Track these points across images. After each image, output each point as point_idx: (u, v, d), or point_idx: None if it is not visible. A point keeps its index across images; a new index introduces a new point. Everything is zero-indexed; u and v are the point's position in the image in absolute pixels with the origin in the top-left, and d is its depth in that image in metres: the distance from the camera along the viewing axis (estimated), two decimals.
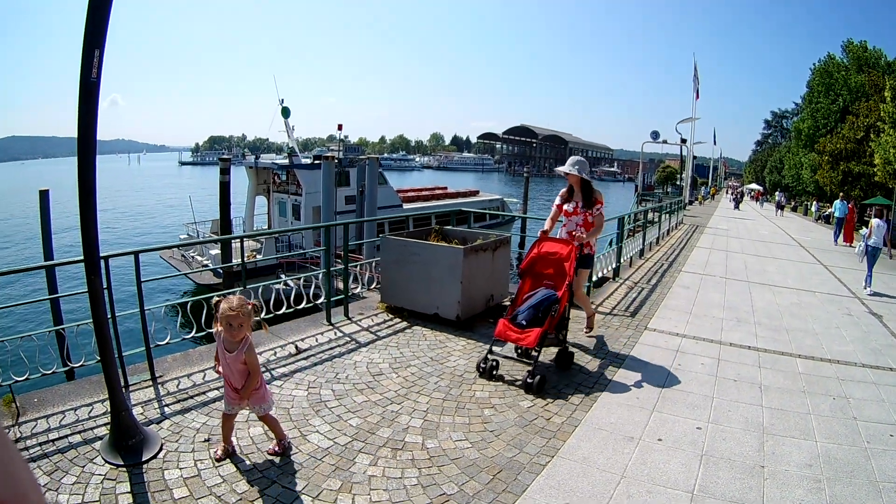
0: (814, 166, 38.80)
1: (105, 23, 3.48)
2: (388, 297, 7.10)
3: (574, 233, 6.10)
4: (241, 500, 3.28)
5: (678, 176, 56.98)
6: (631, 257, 12.14)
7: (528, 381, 4.86)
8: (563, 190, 6.50)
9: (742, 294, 9.79)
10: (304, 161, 25.08)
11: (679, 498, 3.46)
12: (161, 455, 3.70)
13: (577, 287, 6.12)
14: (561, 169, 6.37)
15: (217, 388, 4.65)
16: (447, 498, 3.36)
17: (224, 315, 3.62)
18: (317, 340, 6.07)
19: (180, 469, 3.57)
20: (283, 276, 8.22)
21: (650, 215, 16.44)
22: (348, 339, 6.16)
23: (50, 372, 4.67)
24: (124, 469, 3.51)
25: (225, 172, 21.53)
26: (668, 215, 19.21)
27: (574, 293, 5.83)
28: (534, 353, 5.05)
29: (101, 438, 3.81)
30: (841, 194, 23.31)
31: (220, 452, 3.77)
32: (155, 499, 3.26)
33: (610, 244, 10.93)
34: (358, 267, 8.97)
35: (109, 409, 3.85)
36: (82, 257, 3.78)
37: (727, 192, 65.75)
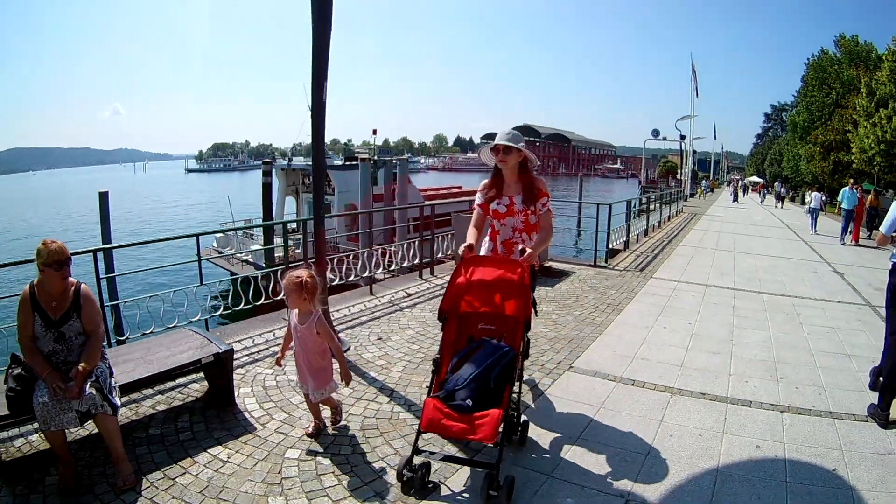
0: (808, 157, 40.86)
1: (327, 59, 5.26)
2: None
3: (515, 243, 4.21)
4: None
5: (679, 170, 59.35)
6: (637, 234, 14.75)
7: (491, 492, 3.13)
8: (486, 181, 4.39)
9: (728, 259, 12.18)
10: (335, 162, 27.43)
11: (679, 350, 5.82)
12: (350, 350, 5.74)
13: None
14: (483, 152, 4.31)
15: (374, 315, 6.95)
16: None
17: (291, 283, 3.76)
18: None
19: (362, 356, 5.75)
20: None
21: (652, 206, 19.01)
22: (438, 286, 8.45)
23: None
24: None
25: (267, 175, 24.15)
26: (667, 204, 21.72)
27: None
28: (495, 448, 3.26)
29: None
30: (851, 182, 19.69)
31: (311, 429, 4.06)
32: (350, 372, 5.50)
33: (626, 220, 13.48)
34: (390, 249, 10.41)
35: None
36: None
37: (728, 186, 67.02)
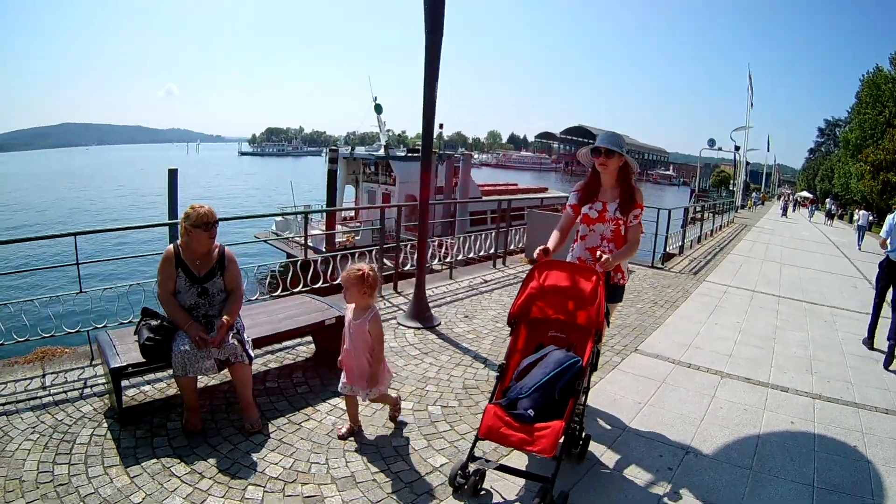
0: (858, 175, 40.32)
1: (438, 64, 5.96)
2: (532, 251, 10.30)
3: (599, 251, 3.96)
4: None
5: (731, 181, 59.08)
6: (691, 241, 15.61)
7: None
8: (581, 183, 4.29)
9: (775, 269, 12.97)
10: (398, 154, 28.48)
11: (728, 343, 6.75)
12: (441, 325, 6.57)
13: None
14: (583, 152, 4.25)
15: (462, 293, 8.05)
16: None
17: (353, 276, 3.68)
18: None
19: (453, 331, 6.53)
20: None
21: (705, 214, 19.77)
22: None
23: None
24: (422, 329, 6.29)
25: (333, 162, 25.28)
26: (719, 214, 22.44)
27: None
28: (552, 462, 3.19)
29: (396, 317, 6.69)
30: None
31: (343, 431, 3.95)
32: (438, 342, 5.98)
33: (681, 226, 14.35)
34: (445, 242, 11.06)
35: (413, 295, 6.71)
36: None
37: (778, 199, 65.96)
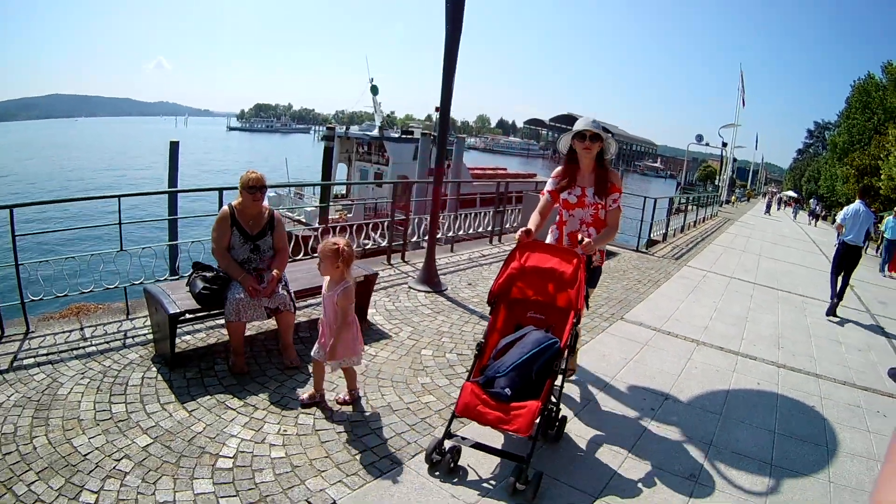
0: (844, 179, 41.07)
1: (456, 57, 6.54)
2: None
3: (579, 235, 4.00)
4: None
5: (718, 176, 59.93)
6: (674, 230, 16.33)
7: (518, 485, 3.15)
8: (560, 168, 4.32)
9: (753, 260, 13.67)
10: (392, 135, 29.00)
11: (705, 319, 7.38)
12: (448, 290, 7.28)
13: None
14: (566, 140, 4.16)
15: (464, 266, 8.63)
16: None
17: (328, 249, 3.74)
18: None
19: (459, 295, 7.15)
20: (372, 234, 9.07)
21: (689, 206, 20.47)
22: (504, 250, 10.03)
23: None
24: (432, 293, 6.94)
25: (330, 140, 25.86)
26: (703, 206, 23.21)
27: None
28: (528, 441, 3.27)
29: (407, 282, 7.48)
30: None
31: (305, 397, 4.04)
32: (447, 304, 6.71)
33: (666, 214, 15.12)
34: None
35: (424, 263, 7.32)
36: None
37: (763, 197, 66.50)
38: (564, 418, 3.84)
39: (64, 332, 4.88)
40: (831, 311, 8.54)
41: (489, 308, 3.81)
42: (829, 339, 7.38)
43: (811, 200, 47.94)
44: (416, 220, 10.08)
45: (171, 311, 4.25)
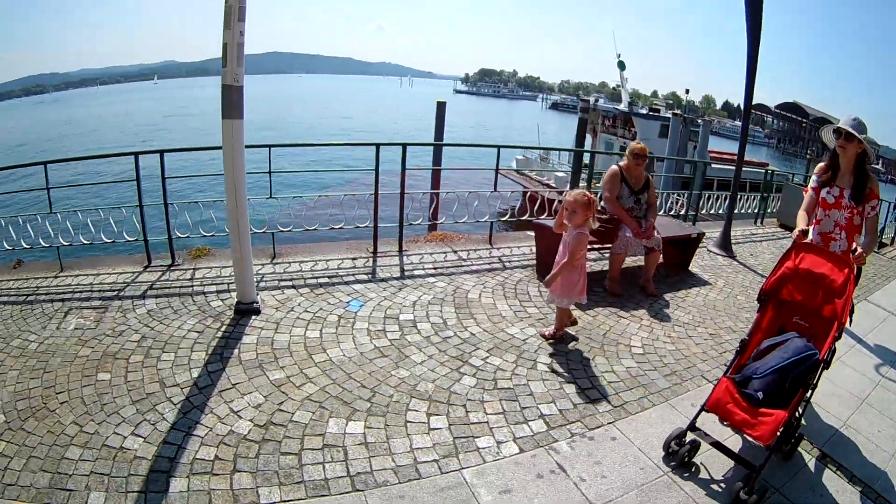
0: None
1: (758, 50, 7.14)
2: (784, 217, 11.31)
3: (833, 238, 4.24)
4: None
5: None
6: None
7: (742, 494, 2.98)
8: (822, 164, 4.31)
9: None
10: (641, 112, 30.33)
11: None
12: (737, 256, 8.27)
13: None
14: (827, 133, 4.18)
15: None
16: None
17: (583, 197, 4.11)
18: None
19: (745, 263, 8.22)
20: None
21: None
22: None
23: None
24: (726, 257, 7.80)
25: (585, 111, 26.94)
26: None
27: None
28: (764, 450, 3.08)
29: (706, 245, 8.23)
30: None
31: (547, 332, 4.60)
32: (741, 267, 7.74)
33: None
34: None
35: (722, 231, 8.12)
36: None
37: None
38: (801, 436, 3.59)
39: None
40: None
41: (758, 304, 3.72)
42: None
43: None
44: (665, 195, 10.60)
45: None
